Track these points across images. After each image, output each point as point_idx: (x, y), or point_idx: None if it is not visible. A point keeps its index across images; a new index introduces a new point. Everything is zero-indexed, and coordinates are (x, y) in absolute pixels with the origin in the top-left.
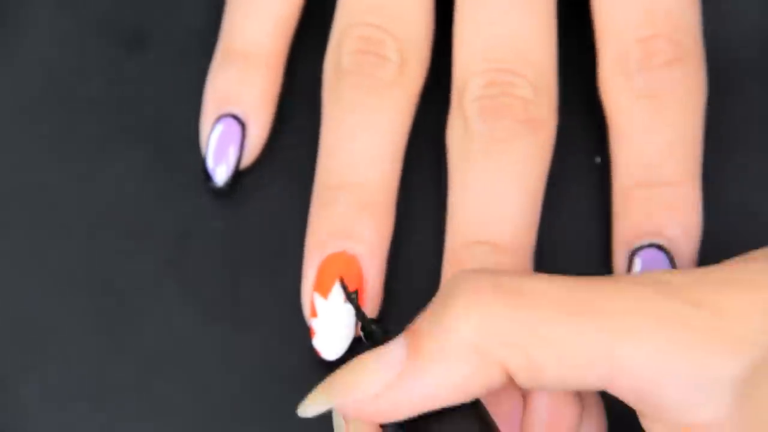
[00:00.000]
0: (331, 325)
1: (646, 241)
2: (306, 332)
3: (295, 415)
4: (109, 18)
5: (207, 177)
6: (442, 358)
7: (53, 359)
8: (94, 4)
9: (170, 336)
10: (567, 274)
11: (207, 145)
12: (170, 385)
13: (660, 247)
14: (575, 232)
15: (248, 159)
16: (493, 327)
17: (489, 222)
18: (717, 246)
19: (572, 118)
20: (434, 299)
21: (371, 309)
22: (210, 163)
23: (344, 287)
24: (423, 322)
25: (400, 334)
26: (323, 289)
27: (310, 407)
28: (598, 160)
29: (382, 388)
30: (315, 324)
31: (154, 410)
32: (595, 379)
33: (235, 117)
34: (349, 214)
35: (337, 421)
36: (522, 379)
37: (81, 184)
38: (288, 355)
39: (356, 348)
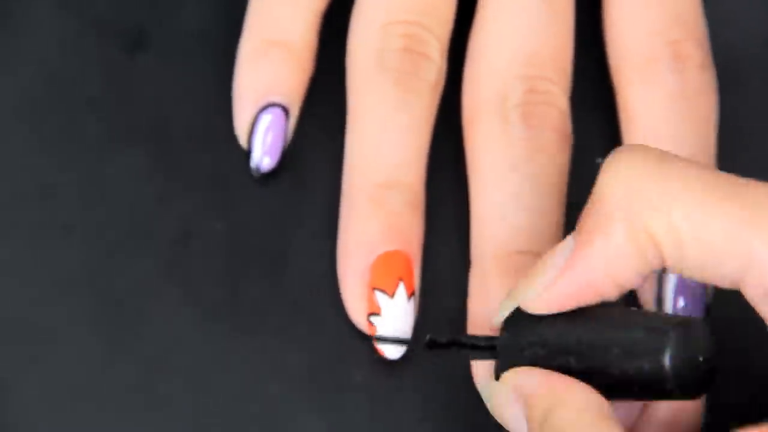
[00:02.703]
0: (397, 324)
1: None
2: (307, 331)
3: (295, 415)
4: (110, 18)
5: (251, 166)
6: (599, 229)
7: (53, 360)
8: (94, 5)
9: (171, 337)
10: None
11: (253, 133)
12: (171, 386)
13: None
14: None
15: (286, 146)
16: (640, 189)
17: (537, 232)
18: None
19: (573, 120)
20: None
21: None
22: (257, 152)
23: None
24: (585, 207)
25: None
26: (388, 286)
27: (501, 314)
28: (599, 161)
29: (556, 276)
30: (376, 321)
31: (154, 411)
32: (730, 271)
33: (281, 106)
34: (403, 213)
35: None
36: (668, 256)
37: (81, 185)
38: (288, 356)
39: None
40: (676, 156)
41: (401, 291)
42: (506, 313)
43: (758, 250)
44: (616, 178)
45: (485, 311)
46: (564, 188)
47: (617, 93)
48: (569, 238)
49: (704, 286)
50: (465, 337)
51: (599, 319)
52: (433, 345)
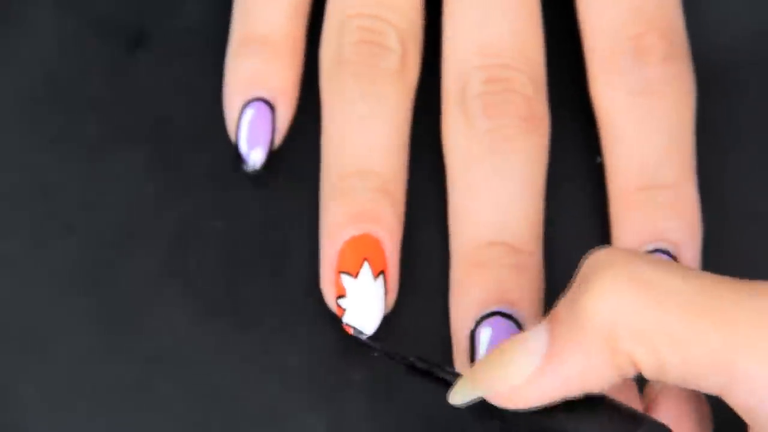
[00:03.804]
0: (362, 303)
1: (651, 247)
2: (307, 331)
3: (294, 414)
4: (110, 17)
5: (240, 162)
6: (578, 346)
7: (53, 359)
8: (94, 4)
9: (170, 336)
10: (566, 275)
11: (238, 130)
12: (170, 385)
13: (666, 252)
14: (576, 232)
15: (278, 141)
16: (625, 318)
17: (504, 223)
18: (717, 247)
19: (572, 118)
20: (573, 282)
21: (391, 294)
22: (243, 147)
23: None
24: (561, 308)
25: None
26: (352, 268)
27: (458, 396)
28: (599, 159)
29: (526, 378)
30: (344, 303)
31: (153, 410)
32: (714, 383)
33: (264, 101)
34: (370, 199)
35: None
36: (647, 371)
37: (81, 184)
38: (287, 354)
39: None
40: (660, 267)
41: (366, 271)
42: (465, 399)
43: (741, 368)
44: (601, 304)
45: (460, 307)
46: (537, 174)
47: (589, 91)
48: (538, 339)
49: None
50: (441, 371)
51: (565, 415)
52: (411, 369)
